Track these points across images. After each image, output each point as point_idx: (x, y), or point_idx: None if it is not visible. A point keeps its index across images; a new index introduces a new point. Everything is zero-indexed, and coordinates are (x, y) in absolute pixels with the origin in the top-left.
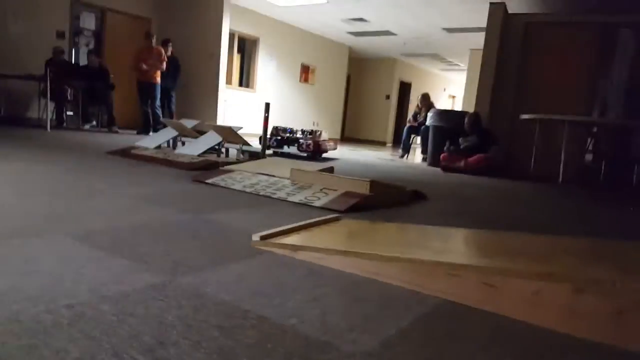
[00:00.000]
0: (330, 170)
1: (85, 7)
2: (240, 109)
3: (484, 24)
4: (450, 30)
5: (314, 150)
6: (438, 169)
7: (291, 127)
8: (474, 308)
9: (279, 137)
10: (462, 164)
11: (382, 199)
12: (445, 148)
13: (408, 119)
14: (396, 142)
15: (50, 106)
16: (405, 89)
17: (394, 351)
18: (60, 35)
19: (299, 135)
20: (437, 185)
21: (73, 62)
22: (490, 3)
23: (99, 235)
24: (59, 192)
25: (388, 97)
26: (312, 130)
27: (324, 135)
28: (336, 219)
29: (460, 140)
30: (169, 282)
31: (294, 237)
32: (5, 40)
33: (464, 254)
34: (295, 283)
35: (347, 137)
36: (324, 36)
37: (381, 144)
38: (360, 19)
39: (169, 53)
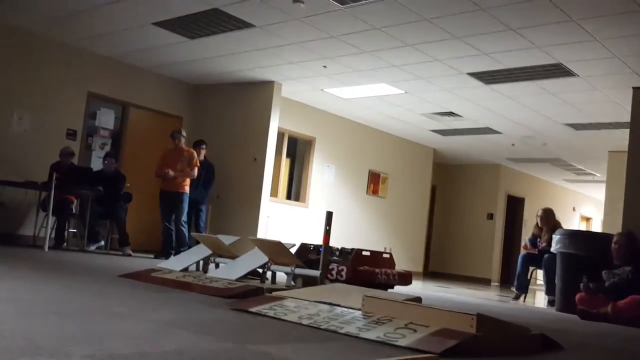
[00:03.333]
0: (418, 301)
1: (104, 103)
2: (286, 227)
3: (625, 118)
4: (577, 126)
5: (349, 278)
6: (572, 316)
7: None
8: None
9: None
10: (608, 308)
11: (495, 342)
12: (581, 286)
13: (523, 244)
14: (506, 280)
15: (51, 221)
16: (515, 205)
17: None
18: (71, 134)
19: (334, 256)
20: (572, 335)
21: (84, 166)
22: (634, 88)
23: (125, 359)
24: (69, 313)
25: (491, 216)
26: (352, 249)
27: (389, 259)
28: None
29: (604, 274)
30: None
31: None
32: (5, 140)
33: None
34: None
35: (432, 272)
36: (399, 136)
37: (484, 281)
38: (450, 113)
39: (202, 157)
